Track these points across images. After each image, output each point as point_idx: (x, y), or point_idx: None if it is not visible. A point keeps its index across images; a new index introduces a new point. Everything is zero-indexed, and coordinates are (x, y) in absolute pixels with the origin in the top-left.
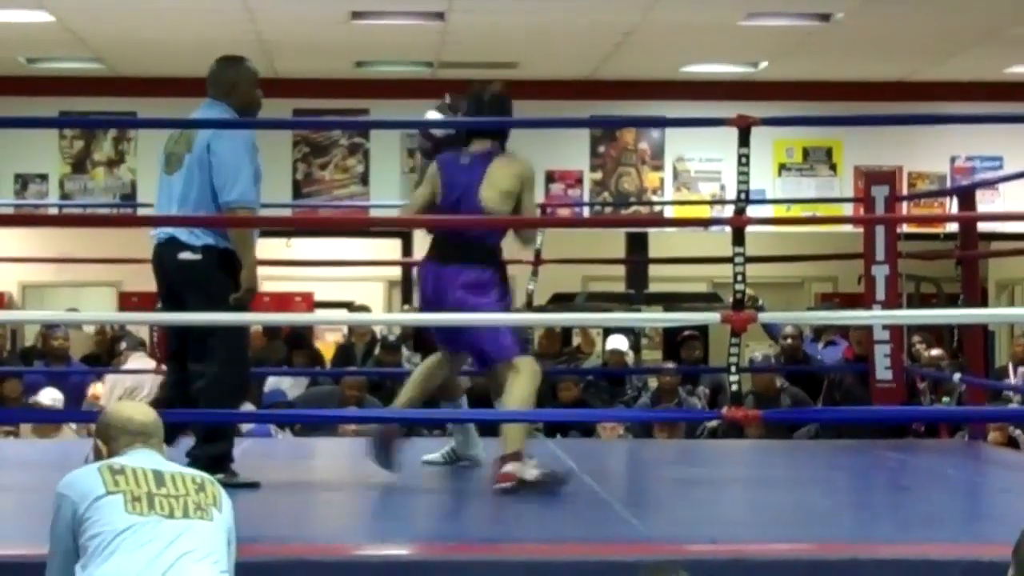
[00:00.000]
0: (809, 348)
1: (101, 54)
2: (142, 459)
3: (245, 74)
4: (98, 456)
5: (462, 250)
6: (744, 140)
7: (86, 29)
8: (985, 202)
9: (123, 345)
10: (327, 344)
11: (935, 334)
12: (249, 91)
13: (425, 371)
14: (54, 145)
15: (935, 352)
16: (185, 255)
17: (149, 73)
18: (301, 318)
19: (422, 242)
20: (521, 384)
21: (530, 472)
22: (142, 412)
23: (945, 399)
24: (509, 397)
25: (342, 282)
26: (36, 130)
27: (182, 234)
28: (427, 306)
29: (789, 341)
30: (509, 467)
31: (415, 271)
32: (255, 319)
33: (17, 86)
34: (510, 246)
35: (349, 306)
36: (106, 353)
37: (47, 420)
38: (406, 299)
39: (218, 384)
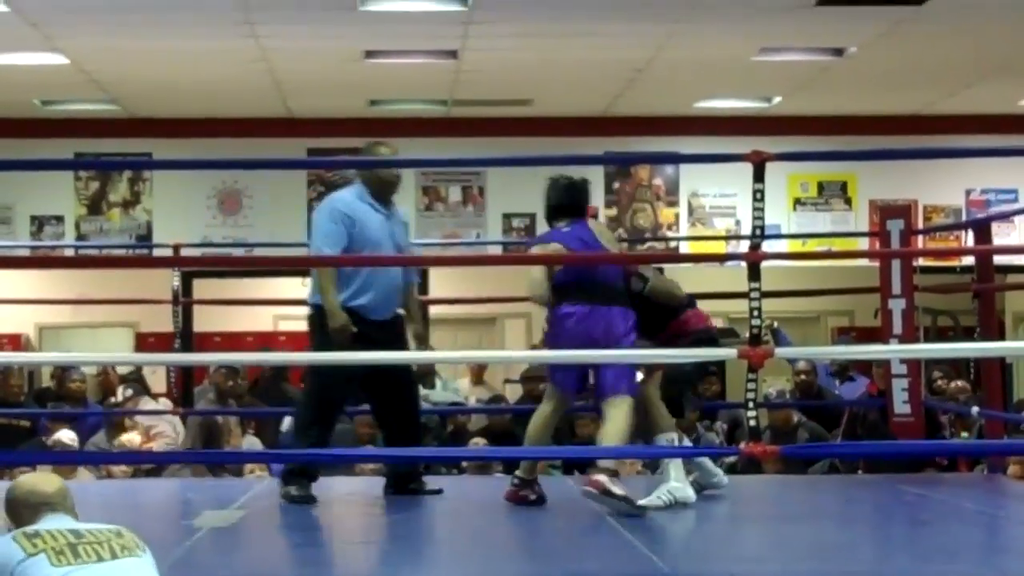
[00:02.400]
0: (826, 383)
1: (116, 95)
2: (55, 522)
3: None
4: (10, 530)
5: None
6: (759, 175)
7: (101, 71)
8: (1001, 235)
9: (128, 392)
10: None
11: (953, 368)
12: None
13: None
14: (70, 187)
15: (956, 384)
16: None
17: (164, 114)
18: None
19: (437, 279)
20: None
21: (618, 488)
22: (47, 482)
23: (964, 434)
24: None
25: None
26: (52, 172)
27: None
28: (595, 346)
29: (803, 377)
30: (599, 476)
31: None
32: (262, 359)
33: (32, 128)
34: (516, 285)
35: None
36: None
37: (88, 462)
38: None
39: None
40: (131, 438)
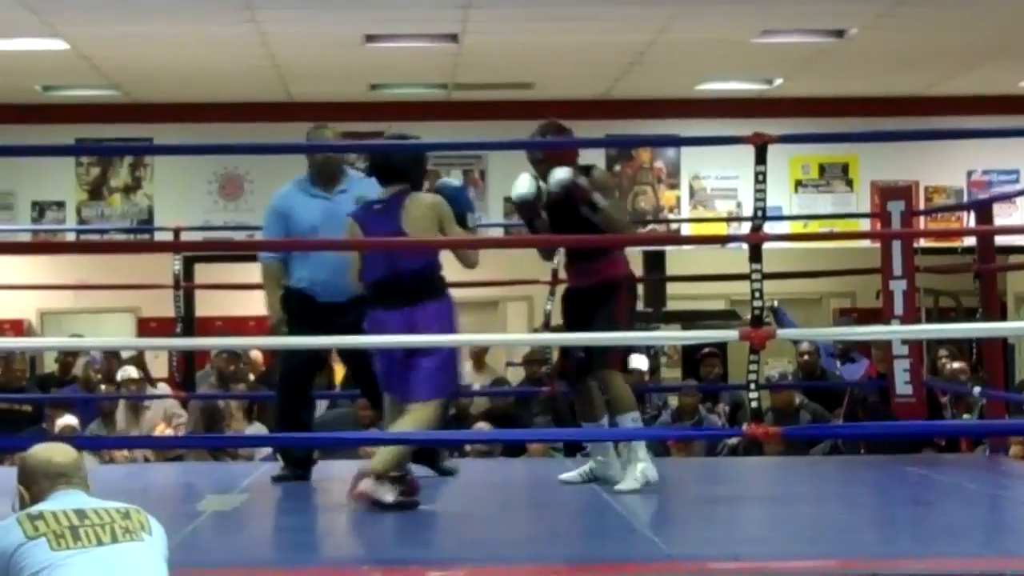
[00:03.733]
0: (827, 364)
1: (116, 81)
2: (63, 501)
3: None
4: (21, 503)
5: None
6: (761, 158)
7: (101, 56)
8: (1002, 215)
9: (131, 372)
10: (341, 367)
11: (956, 348)
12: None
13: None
14: (71, 172)
15: (956, 365)
16: None
17: (165, 99)
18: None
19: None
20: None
21: (387, 496)
22: (62, 453)
23: (966, 415)
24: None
25: None
26: (53, 158)
27: None
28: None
29: (805, 357)
30: (364, 485)
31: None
32: (272, 344)
33: (33, 114)
34: (534, 264)
35: None
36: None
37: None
38: None
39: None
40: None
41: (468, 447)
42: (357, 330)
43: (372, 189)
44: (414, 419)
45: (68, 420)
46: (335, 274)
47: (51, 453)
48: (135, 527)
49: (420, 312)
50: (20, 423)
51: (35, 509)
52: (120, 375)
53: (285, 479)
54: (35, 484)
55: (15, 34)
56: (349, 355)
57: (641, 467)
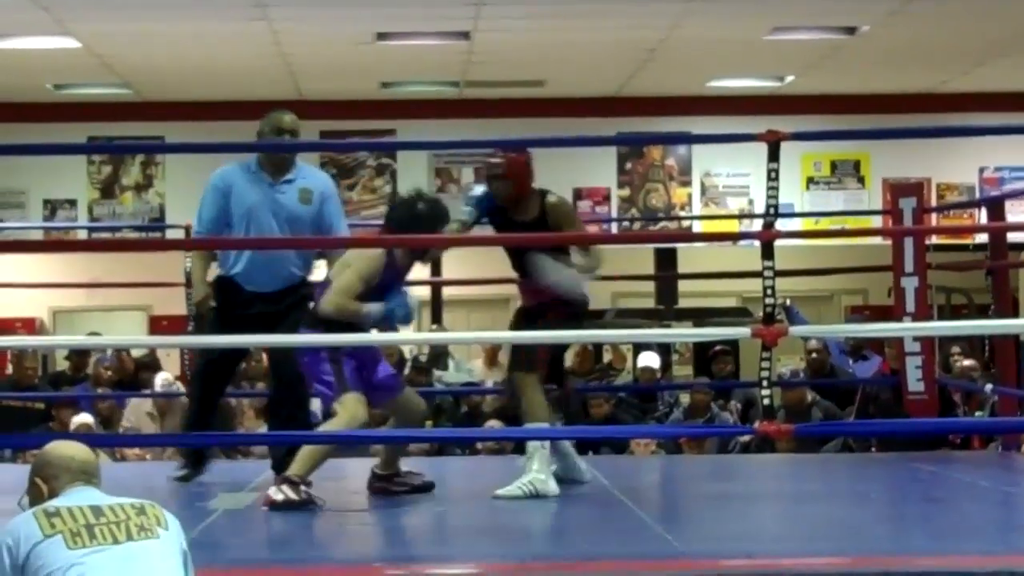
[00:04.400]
0: (840, 361)
1: (128, 79)
2: (79, 497)
3: (269, 122)
4: (36, 495)
5: None
6: (773, 155)
7: (113, 55)
8: (1015, 212)
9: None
10: None
11: (968, 346)
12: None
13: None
14: (82, 171)
15: (967, 363)
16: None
17: (176, 97)
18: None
19: (449, 260)
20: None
21: (279, 495)
22: (82, 451)
23: (978, 413)
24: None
25: None
26: (64, 156)
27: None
28: None
29: (815, 355)
30: (271, 490)
31: None
32: (264, 341)
33: (45, 112)
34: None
35: None
36: (128, 379)
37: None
38: (435, 319)
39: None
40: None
41: (480, 445)
42: (283, 321)
43: (321, 182)
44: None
45: (83, 418)
46: (267, 263)
47: (73, 450)
48: (151, 523)
49: None
50: (32, 422)
51: (51, 505)
52: (159, 381)
53: (186, 479)
54: (55, 478)
55: (27, 32)
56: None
57: (530, 477)
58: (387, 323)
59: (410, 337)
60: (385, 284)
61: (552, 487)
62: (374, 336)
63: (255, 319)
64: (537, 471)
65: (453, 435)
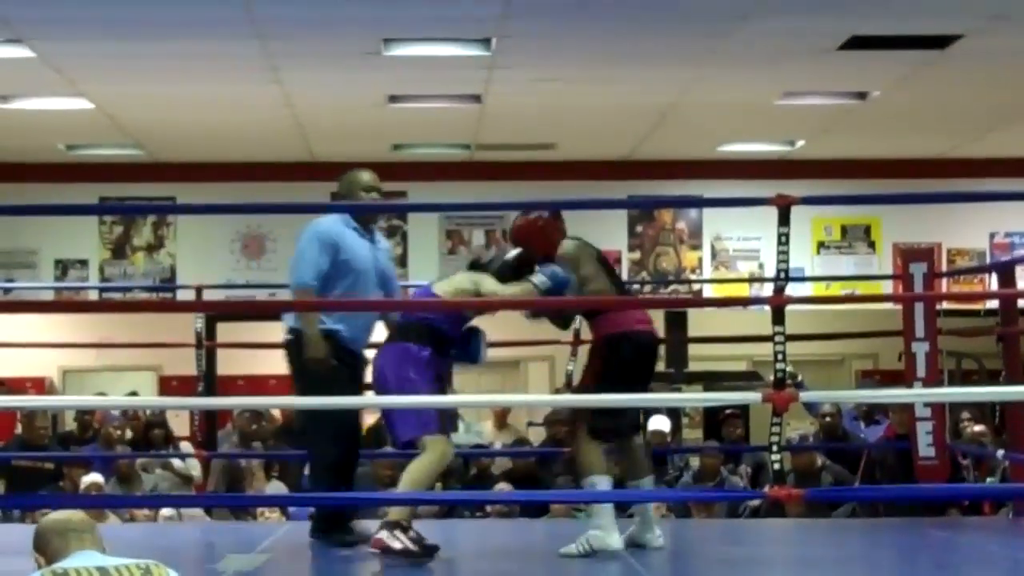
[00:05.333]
0: (851, 426)
1: (140, 140)
2: (84, 559)
3: (352, 181)
4: (39, 568)
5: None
6: (784, 219)
7: (125, 116)
8: None
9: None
10: (367, 425)
11: (978, 411)
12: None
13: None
14: (94, 231)
15: (978, 428)
16: (286, 336)
17: (188, 158)
18: (335, 401)
19: None
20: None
21: (397, 543)
22: (77, 515)
23: (990, 479)
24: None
25: None
26: (76, 216)
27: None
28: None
29: (828, 419)
30: (381, 534)
31: None
32: (286, 403)
33: (57, 173)
34: (548, 328)
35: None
36: (142, 440)
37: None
38: None
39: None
40: None
41: (489, 507)
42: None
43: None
44: (413, 466)
45: (93, 478)
46: (367, 321)
47: (65, 516)
48: None
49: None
50: (42, 481)
51: (59, 566)
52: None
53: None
54: (49, 545)
55: (40, 93)
56: None
57: (588, 534)
58: (468, 356)
59: (425, 400)
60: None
61: (612, 542)
62: (388, 399)
63: (353, 378)
64: (596, 527)
65: (467, 498)
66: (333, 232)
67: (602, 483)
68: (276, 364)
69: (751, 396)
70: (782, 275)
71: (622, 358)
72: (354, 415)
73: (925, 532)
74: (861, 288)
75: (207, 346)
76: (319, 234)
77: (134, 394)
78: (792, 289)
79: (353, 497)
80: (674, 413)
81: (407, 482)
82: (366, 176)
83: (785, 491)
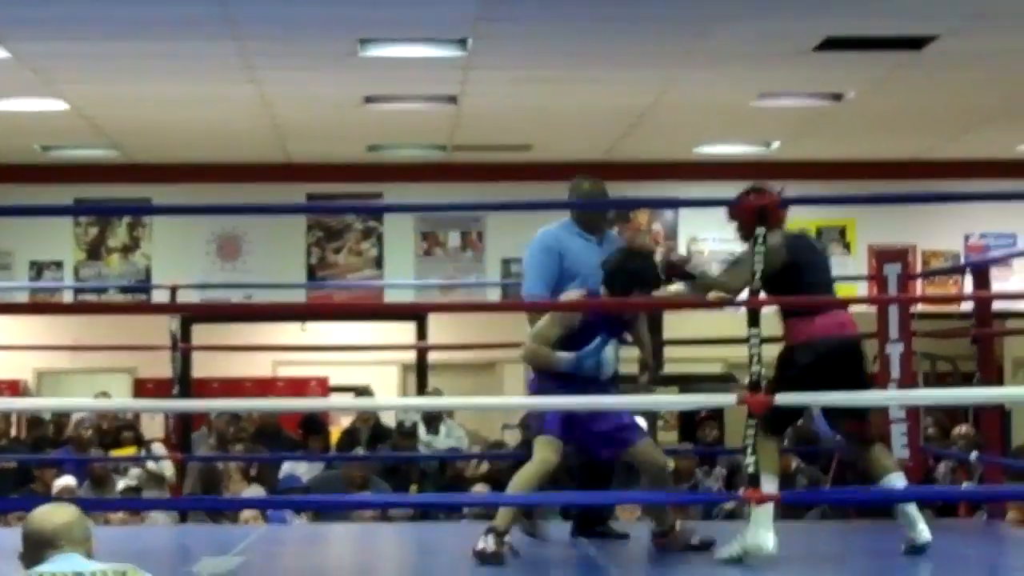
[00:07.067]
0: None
1: (116, 141)
2: (61, 564)
3: (583, 190)
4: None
5: None
6: (761, 220)
7: (101, 117)
8: (999, 279)
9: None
10: (341, 428)
11: (949, 414)
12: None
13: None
14: (69, 232)
15: (964, 429)
16: None
17: (164, 159)
18: (311, 404)
19: (436, 326)
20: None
21: (480, 543)
22: (57, 515)
23: (966, 484)
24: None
25: (357, 366)
26: (51, 217)
27: None
28: None
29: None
30: (480, 541)
31: None
32: (261, 406)
33: (32, 174)
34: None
35: (354, 390)
36: (113, 442)
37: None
38: (421, 384)
39: None
40: None
41: (464, 510)
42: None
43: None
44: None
45: (66, 481)
46: None
47: (45, 518)
48: None
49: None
50: (7, 482)
51: (35, 570)
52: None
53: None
54: (32, 550)
55: (15, 94)
56: None
57: (742, 538)
58: (578, 373)
59: (403, 402)
60: (591, 330)
61: (766, 544)
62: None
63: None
64: (751, 531)
65: (443, 501)
66: (555, 240)
67: (769, 484)
68: (251, 366)
69: (726, 399)
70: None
71: (801, 367)
72: None
73: (898, 534)
74: (836, 290)
75: (182, 348)
76: (542, 245)
77: (104, 395)
78: None
79: (340, 501)
80: (649, 415)
81: (517, 484)
82: (586, 184)
83: (758, 493)
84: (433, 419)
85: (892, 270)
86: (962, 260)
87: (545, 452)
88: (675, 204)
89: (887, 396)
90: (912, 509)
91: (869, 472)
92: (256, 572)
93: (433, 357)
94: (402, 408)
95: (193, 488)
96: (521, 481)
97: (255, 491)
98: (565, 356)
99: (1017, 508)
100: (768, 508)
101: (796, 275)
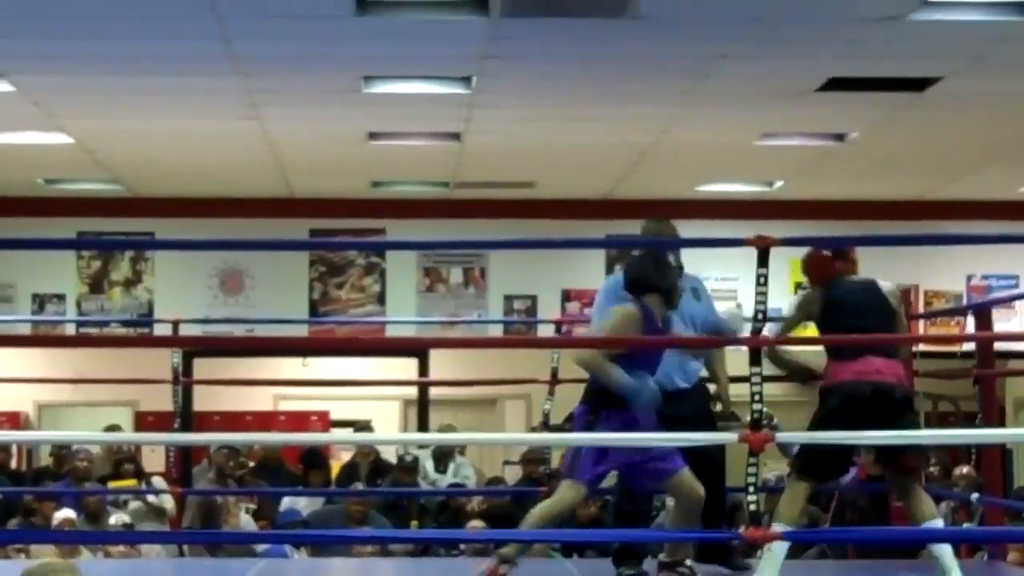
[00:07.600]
0: None
1: (119, 175)
2: None
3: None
4: None
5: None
6: (763, 260)
7: (104, 151)
8: (1001, 320)
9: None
10: (342, 463)
11: (951, 454)
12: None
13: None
14: (71, 265)
15: (965, 470)
16: None
17: (167, 194)
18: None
19: (437, 362)
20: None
21: (492, 568)
22: (50, 564)
23: (967, 524)
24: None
25: (358, 401)
26: (54, 251)
27: None
28: None
29: None
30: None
31: None
32: (261, 439)
33: (35, 207)
34: (532, 363)
35: (354, 425)
36: (113, 474)
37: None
38: (422, 420)
39: None
40: None
41: (463, 546)
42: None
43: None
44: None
45: (66, 514)
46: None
47: (47, 566)
48: None
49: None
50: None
51: None
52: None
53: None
54: None
55: (19, 127)
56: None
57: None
58: (631, 401)
59: (405, 437)
60: (648, 355)
61: None
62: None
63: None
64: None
65: (441, 536)
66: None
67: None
68: (252, 400)
69: (728, 437)
70: (760, 316)
71: (828, 410)
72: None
73: (898, 574)
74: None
75: (183, 382)
76: (609, 288)
77: (114, 428)
78: (769, 329)
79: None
80: None
81: (536, 515)
82: (653, 225)
83: (760, 532)
84: (443, 456)
85: None
86: (964, 301)
87: (567, 494)
88: (678, 244)
89: (889, 436)
90: (948, 558)
91: (909, 513)
92: None
93: (434, 393)
94: (403, 443)
95: (192, 521)
96: (538, 515)
97: (247, 523)
98: (624, 379)
99: (1018, 549)
100: (780, 554)
101: (833, 320)
